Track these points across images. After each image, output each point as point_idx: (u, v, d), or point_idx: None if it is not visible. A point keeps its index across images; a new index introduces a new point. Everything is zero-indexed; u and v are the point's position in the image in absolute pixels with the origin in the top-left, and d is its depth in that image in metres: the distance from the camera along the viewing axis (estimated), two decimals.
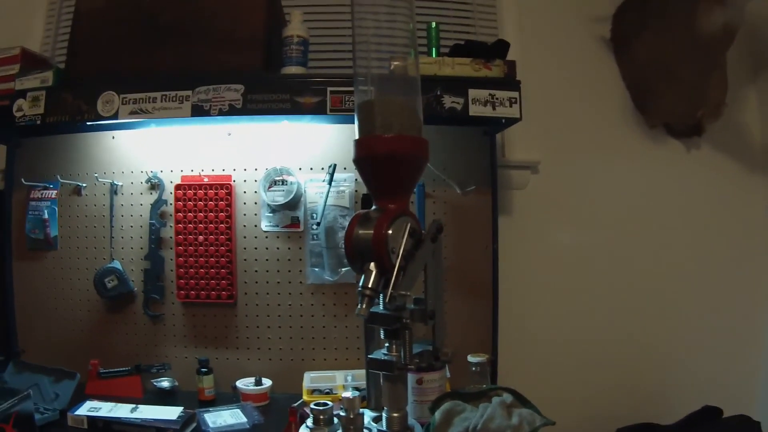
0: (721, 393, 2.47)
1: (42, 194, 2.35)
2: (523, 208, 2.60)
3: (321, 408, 1.35)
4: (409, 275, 1.21)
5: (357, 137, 1.33)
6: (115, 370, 2.21)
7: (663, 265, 2.68)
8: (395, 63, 1.43)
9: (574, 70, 2.68)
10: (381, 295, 1.23)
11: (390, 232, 1.19)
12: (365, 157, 1.30)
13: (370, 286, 1.19)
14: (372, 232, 1.20)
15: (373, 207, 1.30)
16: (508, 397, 1.90)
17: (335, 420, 1.34)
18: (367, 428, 1.37)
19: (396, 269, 1.19)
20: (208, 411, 1.99)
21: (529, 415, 1.83)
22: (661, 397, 2.60)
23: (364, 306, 1.18)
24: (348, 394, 1.31)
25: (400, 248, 1.20)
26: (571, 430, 1.81)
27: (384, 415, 1.28)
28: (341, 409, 1.38)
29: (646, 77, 2.64)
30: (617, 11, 2.66)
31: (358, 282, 1.23)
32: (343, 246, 1.28)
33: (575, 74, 2.68)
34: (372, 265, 1.20)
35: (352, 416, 1.29)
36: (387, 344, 1.28)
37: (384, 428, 1.29)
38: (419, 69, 1.45)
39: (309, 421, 1.35)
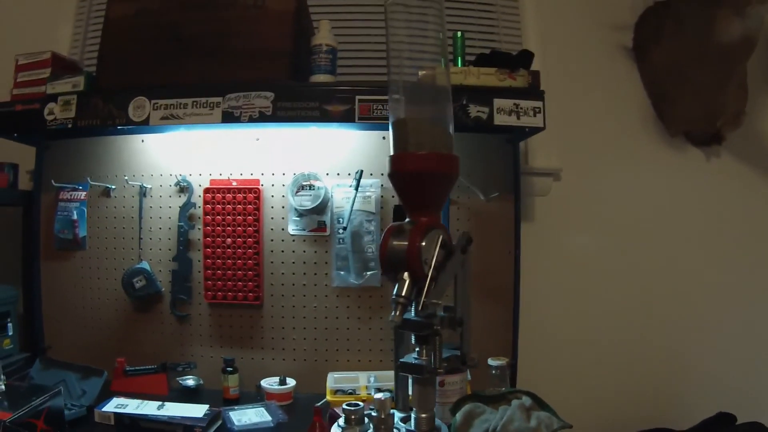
0: (736, 399, 2.49)
1: (71, 195, 2.40)
2: (544, 214, 2.64)
3: (353, 408, 1.38)
4: (440, 285, 1.26)
5: (392, 152, 1.37)
6: (141, 368, 2.26)
7: (681, 271, 2.71)
8: (424, 73, 1.46)
9: (595, 79, 2.71)
10: (413, 303, 1.28)
11: (423, 243, 1.24)
12: (399, 172, 1.34)
13: (403, 294, 1.23)
14: (406, 243, 1.24)
15: (406, 219, 1.33)
16: (527, 400, 1.93)
17: (366, 420, 1.38)
18: (396, 428, 1.41)
19: (428, 279, 1.23)
20: (233, 409, 2.03)
21: (547, 418, 1.87)
22: (677, 401, 2.63)
23: (398, 313, 1.22)
24: (380, 395, 1.35)
25: (432, 259, 1.24)
26: None
27: (413, 415, 1.32)
28: (371, 409, 1.42)
29: (666, 85, 2.66)
30: (639, 20, 2.70)
31: (391, 290, 1.27)
32: (378, 255, 1.31)
33: (596, 82, 2.71)
34: (405, 274, 1.24)
35: (383, 416, 1.33)
36: (417, 349, 1.32)
37: (413, 428, 1.32)
38: (450, 79, 1.47)
39: (341, 421, 1.39)
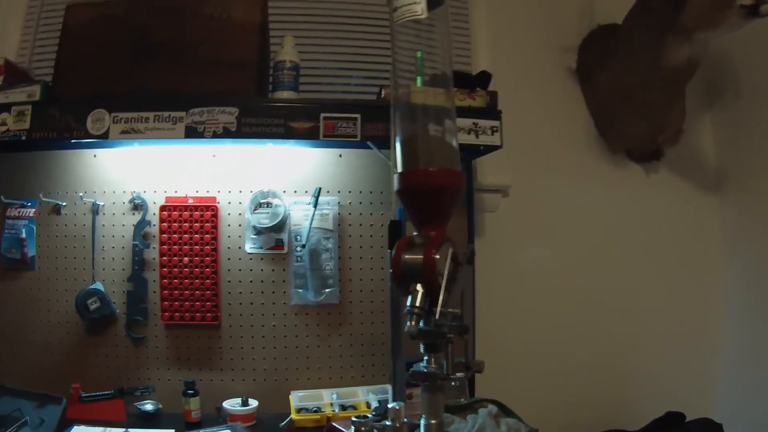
0: (684, 399, 2.58)
1: (19, 212, 2.29)
2: (494, 229, 2.68)
3: (362, 420, 1.38)
4: (452, 295, 1.28)
5: (400, 170, 1.38)
6: (98, 393, 2.15)
7: (625, 280, 2.81)
8: (429, 90, 1.48)
9: (542, 99, 2.79)
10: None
11: (438, 256, 1.25)
12: (412, 189, 1.36)
13: (417, 305, 1.25)
14: (421, 257, 1.26)
15: (414, 233, 1.35)
16: (493, 408, 1.99)
17: (375, 431, 1.38)
18: None
19: (443, 290, 1.25)
20: None
21: (515, 423, 1.93)
22: (628, 404, 2.72)
23: (413, 323, 1.24)
24: (394, 404, 1.35)
25: (445, 271, 1.26)
26: None
27: (422, 422, 1.33)
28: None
29: (610, 105, 2.77)
30: (583, 42, 2.80)
31: (404, 302, 1.29)
32: (391, 270, 1.32)
33: (543, 103, 2.79)
34: (419, 286, 1.26)
35: (398, 425, 1.33)
36: (426, 357, 1.33)
37: None
38: (454, 100, 1.50)
39: None
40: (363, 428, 1.38)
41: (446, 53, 1.51)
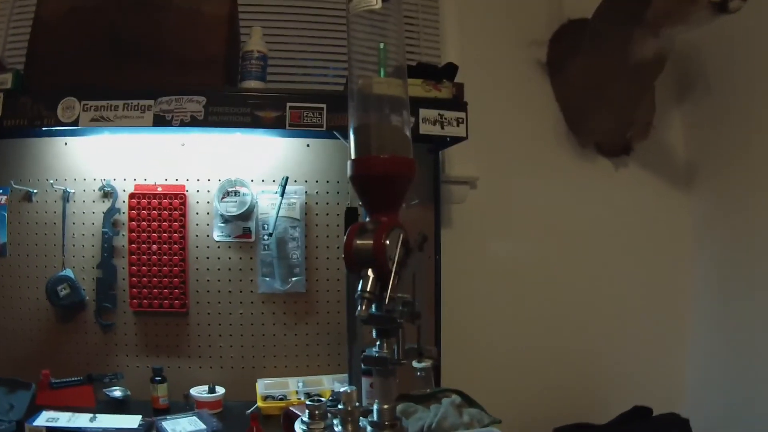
0: (651, 393, 2.63)
1: None
2: (461, 221, 2.71)
3: (316, 404, 1.40)
4: (402, 280, 1.31)
5: (354, 156, 1.40)
6: (67, 380, 2.17)
7: (592, 274, 2.85)
8: (380, 80, 1.50)
9: (511, 92, 2.82)
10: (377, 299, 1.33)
11: (388, 242, 1.28)
12: (363, 175, 1.38)
13: (368, 290, 1.27)
14: (371, 242, 1.28)
15: (367, 219, 1.37)
16: (456, 398, 2.01)
17: (329, 415, 1.40)
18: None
19: (392, 275, 1.27)
20: (166, 419, 1.99)
21: (478, 413, 1.95)
22: (595, 398, 2.75)
23: (363, 308, 1.26)
24: (345, 388, 1.38)
25: (395, 256, 1.28)
26: (510, 430, 1.91)
27: (375, 407, 1.35)
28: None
29: (579, 100, 2.79)
30: (553, 36, 2.83)
31: (355, 287, 1.32)
32: (343, 255, 1.34)
33: (512, 96, 2.82)
34: (369, 271, 1.28)
35: (350, 408, 1.36)
36: (378, 342, 1.36)
37: (375, 419, 1.35)
38: (407, 90, 1.52)
39: (305, 417, 1.41)
40: (317, 411, 1.40)
41: (400, 44, 1.53)
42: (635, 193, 2.89)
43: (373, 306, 1.30)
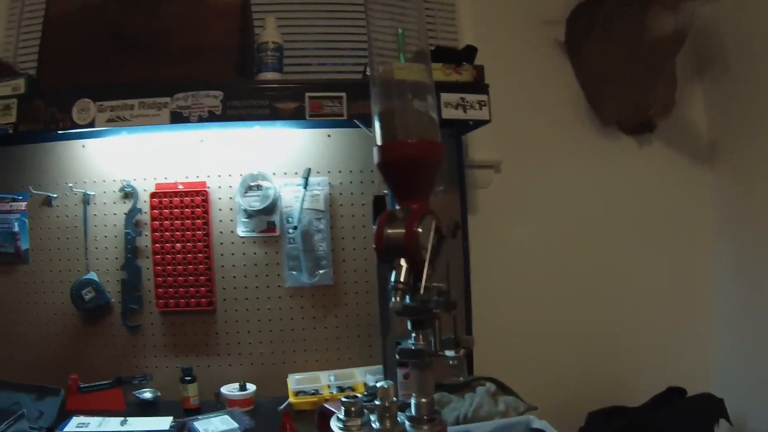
0: (681, 375, 2.59)
1: (11, 206, 2.29)
2: (487, 206, 2.67)
3: (352, 400, 1.38)
4: (436, 269, 1.27)
5: (379, 143, 1.37)
6: (96, 383, 2.17)
7: (619, 254, 2.80)
8: (403, 65, 1.46)
9: (530, 73, 2.76)
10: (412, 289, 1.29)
11: (420, 230, 1.24)
12: (391, 161, 1.34)
13: (402, 280, 1.23)
14: (403, 230, 1.24)
15: (397, 207, 1.34)
16: (491, 387, 1.98)
17: (365, 411, 1.37)
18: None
19: (426, 264, 1.23)
20: (197, 419, 1.96)
21: (513, 401, 1.92)
22: (628, 380, 2.70)
23: (398, 299, 1.22)
24: (383, 383, 1.34)
25: (428, 244, 1.24)
26: (545, 416, 1.88)
27: (413, 401, 1.32)
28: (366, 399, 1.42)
29: (599, 78, 2.74)
30: (570, 15, 2.76)
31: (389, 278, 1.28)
32: (374, 245, 1.31)
33: (532, 76, 2.76)
34: (402, 260, 1.24)
35: (387, 404, 1.32)
36: (413, 335, 1.32)
37: (413, 413, 1.32)
38: (432, 74, 1.48)
39: (341, 414, 1.38)
40: (353, 408, 1.37)
41: (422, 29, 1.49)
42: (659, 171, 2.84)
43: (408, 297, 1.27)
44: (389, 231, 1.29)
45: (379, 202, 1.50)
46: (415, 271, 1.25)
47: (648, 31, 2.41)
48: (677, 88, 2.74)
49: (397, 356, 1.33)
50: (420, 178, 1.35)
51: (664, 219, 2.84)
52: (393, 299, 1.23)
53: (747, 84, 2.66)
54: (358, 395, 1.39)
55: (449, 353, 1.80)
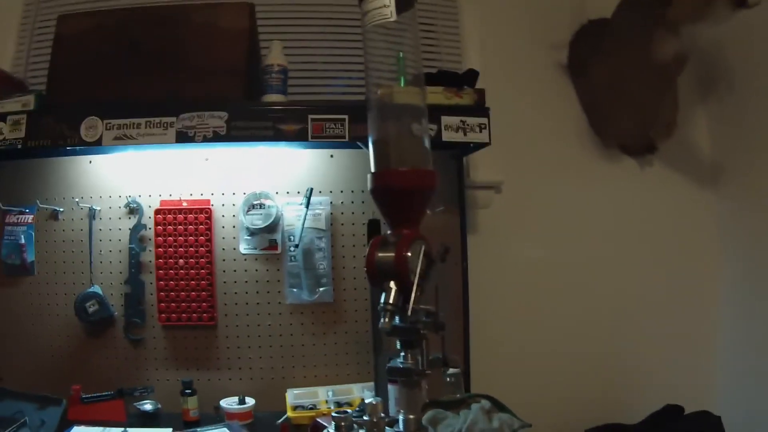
0: (682, 392, 2.59)
1: (18, 219, 2.34)
2: (487, 226, 2.70)
3: (341, 416, 1.41)
4: (424, 292, 1.31)
5: (373, 170, 1.41)
6: (98, 394, 2.19)
7: (621, 275, 2.81)
8: (394, 90, 1.50)
9: (533, 95, 2.80)
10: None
11: (409, 254, 1.29)
12: (383, 189, 1.39)
13: (391, 302, 1.28)
14: (393, 254, 1.29)
15: (388, 232, 1.38)
16: (486, 404, 1.99)
17: (355, 426, 1.41)
18: None
19: (415, 287, 1.28)
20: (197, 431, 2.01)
21: (508, 419, 1.94)
22: (625, 398, 2.70)
23: (387, 320, 1.27)
24: (371, 400, 1.38)
25: (417, 268, 1.29)
26: None
27: (401, 417, 1.36)
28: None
29: (602, 100, 2.77)
30: (574, 38, 2.81)
31: (378, 299, 1.32)
32: (365, 268, 1.35)
33: (534, 99, 2.79)
34: (392, 283, 1.29)
35: (375, 420, 1.36)
36: (402, 353, 1.36)
37: (401, 429, 1.36)
38: (425, 98, 1.52)
39: (331, 428, 1.42)
40: (343, 423, 1.40)
41: (416, 53, 1.54)
42: (661, 193, 2.85)
43: (397, 318, 1.31)
44: (380, 255, 1.34)
45: (373, 226, 1.55)
46: (403, 293, 1.30)
47: (652, 55, 2.44)
48: (679, 109, 2.76)
49: (387, 374, 1.37)
50: (412, 205, 1.40)
51: (666, 240, 2.85)
52: (382, 320, 1.28)
53: (749, 105, 2.67)
54: (349, 411, 1.43)
55: (453, 371, 1.85)
